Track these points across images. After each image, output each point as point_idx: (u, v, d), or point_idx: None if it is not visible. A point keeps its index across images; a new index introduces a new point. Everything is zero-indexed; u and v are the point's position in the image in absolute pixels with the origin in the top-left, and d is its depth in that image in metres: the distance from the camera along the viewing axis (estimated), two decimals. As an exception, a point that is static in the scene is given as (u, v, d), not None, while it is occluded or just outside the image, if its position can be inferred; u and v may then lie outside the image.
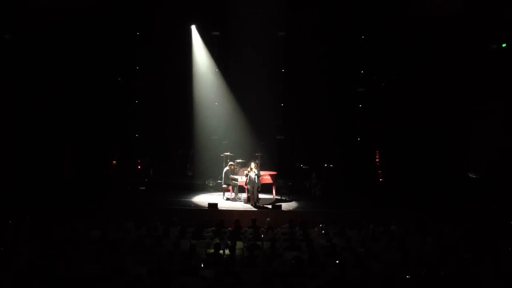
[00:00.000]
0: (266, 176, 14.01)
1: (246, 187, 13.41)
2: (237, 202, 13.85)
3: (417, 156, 15.54)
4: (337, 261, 7.70)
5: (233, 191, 14.10)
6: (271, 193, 14.32)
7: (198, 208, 12.95)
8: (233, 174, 14.23)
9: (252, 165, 13.30)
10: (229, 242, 8.89)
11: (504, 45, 14.34)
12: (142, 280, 6.50)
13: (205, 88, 17.36)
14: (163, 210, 12.26)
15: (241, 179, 13.80)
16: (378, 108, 16.83)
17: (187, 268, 7.08)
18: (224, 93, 17.29)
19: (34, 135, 14.58)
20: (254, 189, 13.13)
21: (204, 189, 15.60)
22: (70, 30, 14.78)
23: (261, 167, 14.04)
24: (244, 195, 13.84)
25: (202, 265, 7.68)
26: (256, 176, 13.10)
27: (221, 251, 8.17)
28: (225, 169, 14.21)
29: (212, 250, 8.27)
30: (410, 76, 15.79)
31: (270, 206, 13.00)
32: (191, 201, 13.82)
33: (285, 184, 14.97)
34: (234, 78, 16.94)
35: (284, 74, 17.55)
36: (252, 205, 13.14)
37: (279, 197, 14.25)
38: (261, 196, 13.59)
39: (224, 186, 14.22)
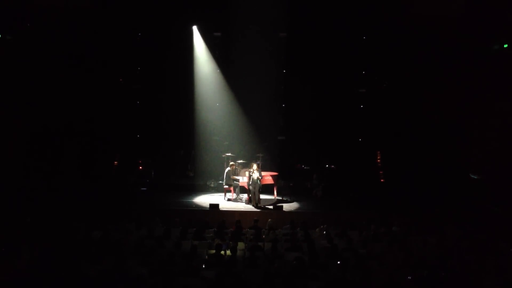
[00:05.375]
0: (268, 177, 14.00)
1: (248, 188, 13.40)
2: (239, 202, 13.85)
3: (418, 157, 15.53)
4: (339, 262, 7.70)
5: (235, 192, 14.10)
6: (272, 193, 14.32)
7: (199, 209, 12.95)
8: (235, 174, 14.23)
9: (254, 166, 13.30)
10: (230, 242, 8.89)
11: (505, 45, 14.32)
12: (144, 281, 6.50)
13: (207, 89, 17.41)
14: (164, 211, 12.27)
15: (243, 180, 13.80)
16: (380, 108, 16.83)
17: (188, 269, 7.08)
18: (226, 93, 17.32)
19: (35, 136, 14.60)
20: (255, 190, 13.14)
21: (205, 189, 15.60)
22: (71, 30, 14.79)
23: (262, 168, 14.04)
24: (245, 196, 13.84)
25: (204, 266, 7.69)
26: (258, 177, 13.10)
27: (222, 252, 8.17)
28: (226, 170, 14.23)
29: (214, 251, 8.26)
30: (411, 76, 15.78)
31: (271, 207, 13.02)
32: (192, 202, 13.82)
33: (286, 185, 14.97)
34: (236, 79, 16.97)
35: (286, 75, 17.57)
36: (253, 205, 13.14)
37: (281, 198, 14.24)
38: (262, 196, 13.58)
39: (226, 186, 14.23)
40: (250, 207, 13.15)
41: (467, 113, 14.89)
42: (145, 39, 16.76)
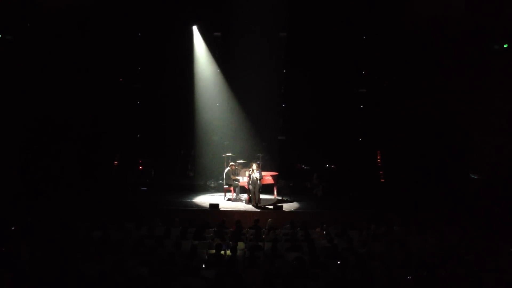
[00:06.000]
0: (268, 177, 13.99)
1: (248, 187, 13.40)
2: (239, 202, 13.85)
3: (418, 157, 15.53)
4: (339, 262, 7.70)
5: (235, 192, 14.11)
6: (272, 193, 14.31)
7: (199, 209, 12.94)
8: (234, 174, 14.23)
9: (254, 166, 13.30)
10: (230, 242, 8.90)
11: (506, 45, 14.32)
12: (144, 280, 6.51)
13: (207, 88, 17.41)
14: (164, 210, 12.27)
15: (243, 180, 13.80)
16: (380, 108, 16.83)
17: (188, 269, 7.08)
18: (226, 93, 17.32)
19: (35, 136, 14.60)
20: (255, 190, 13.14)
21: (205, 189, 15.60)
22: (72, 30, 14.80)
23: (262, 168, 14.04)
24: (245, 196, 13.84)
25: (204, 266, 7.69)
26: (257, 177, 13.10)
27: (222, 252, 8.17)
28: (226, 170, 14.23)
29: (214, 251, 8.27)
30: (411, 76, 15.78)
31: (271, 207, 13.01)
32: (192, 202, 13.82)
33: (286, 185, 14.97)
34: (236, 79, 16.97)
35: (286, 75, 17.58)
36: (253, 205, 13.14)
37: (281, 198, 14.24)
38: (262, 196, 13.58)
39: (226, 186, 14.23)
40: (250, 207, 13.15)
41: (467, 113, 14.89)
42: (145, 39, 16.75)
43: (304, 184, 15.85)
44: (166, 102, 16.96)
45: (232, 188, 14.13)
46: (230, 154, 15.32)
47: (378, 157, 17.42)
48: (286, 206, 13.27)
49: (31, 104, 14.38)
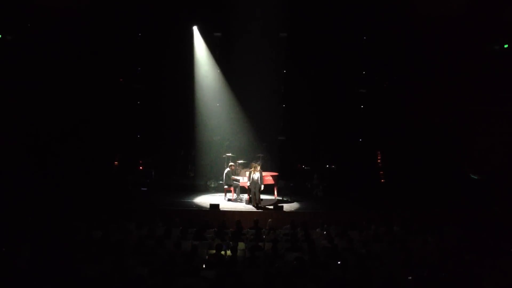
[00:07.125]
0: (268, 177, 13.98)
1: (248, 188, 13.39)
2: (239, 203, 13.84)
3: (419, 157, 15.53)
4: (339, 262, 7.70)
5: (235, 192, 14.11)
6: (272, 194, 14.30)
7: (199, 209, 12.94)
8: (234, 174, 14.23)
9: (254, 166, 13.28)
10: (230, 243, 8.90)
11: (506, 46, 14.33)
12: (144, 280, 6.50)
13: (207, 89, 17.40)
14: (165, 210, 12.26)
15: (243, 180, 13.80)
16: (380, 109, 16.82)
17: (188, 269, 7.09)
18: (226, 94, 17.31)
19: (36, 136, 14.60)
20: (256, 190, 13.13)
21: (205, 190, 15.59)
22: (72, 30, 14.79)
23: (262, 168, 14.03)
24: (245, 196, 13.84)
25: (204, 266, 7.69)
26: (258, 177, 13.10)
27: (222, 252, 8.18)
28: (226, 170, 14.22)
29: (214, 251, 8.27)
30: (412, 76, 15.78)
31: (271, 207, 13.01)
32: (192, 202, 13.82)
33: (286, 185, 14.96)
34: (236, 79, 16.96)
35: (286, 75, 17.56)
36: (253, 206, 13.14)
37: (281, 198, 14.23)
38: (262, 197, 13.57)
39: (226, 186, 14.23)
40: (250, 207, 13.14)
41: (467, 113, 14.90)
42: (145, 39, 16.75)
43: (305, 184, 15.85)
44: (166, 102, 16.94)
45: (232, 189, 14.13)
46: (230, 154, 15.33)
47: (378, 157, 17.41)
48: (287, 207, 13.26)
49: (31, 104, 14.38)
